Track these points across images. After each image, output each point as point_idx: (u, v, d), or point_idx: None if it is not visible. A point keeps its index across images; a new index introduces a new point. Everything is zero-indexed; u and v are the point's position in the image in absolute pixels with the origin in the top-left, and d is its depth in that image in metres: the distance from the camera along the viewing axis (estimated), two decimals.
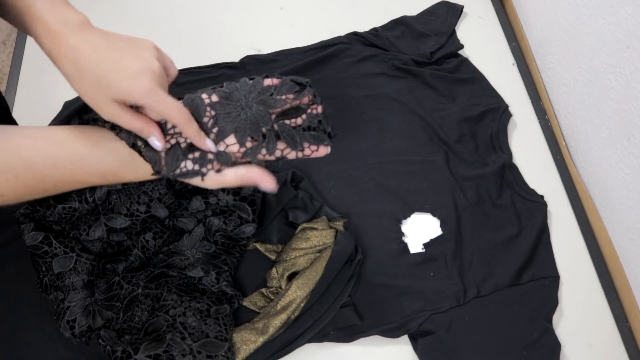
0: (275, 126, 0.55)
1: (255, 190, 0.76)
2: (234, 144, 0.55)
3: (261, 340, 0.70)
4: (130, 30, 0.54)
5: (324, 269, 0.74)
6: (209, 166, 0.54)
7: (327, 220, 0.80)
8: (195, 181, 0.55)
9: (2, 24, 1.68)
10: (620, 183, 0.80)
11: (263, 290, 0.76)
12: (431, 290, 0.76)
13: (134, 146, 0.53)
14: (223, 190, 0.74)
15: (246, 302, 0.75)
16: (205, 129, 0.54)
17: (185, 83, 0.95)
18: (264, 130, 0.55)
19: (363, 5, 1.10)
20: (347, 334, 0.74)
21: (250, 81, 0.56)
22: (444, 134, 0.90)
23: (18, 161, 0.50)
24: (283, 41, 1.02)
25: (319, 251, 0.76)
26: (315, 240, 0.77)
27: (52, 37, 0.49)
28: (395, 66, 0.98)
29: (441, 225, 0.82)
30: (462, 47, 1.01)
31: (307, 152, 0.57)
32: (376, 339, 0.74)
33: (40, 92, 0.97)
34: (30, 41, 1.05)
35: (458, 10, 1.06)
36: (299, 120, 0.56)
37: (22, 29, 0.53)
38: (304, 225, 0.78)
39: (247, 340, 0.70)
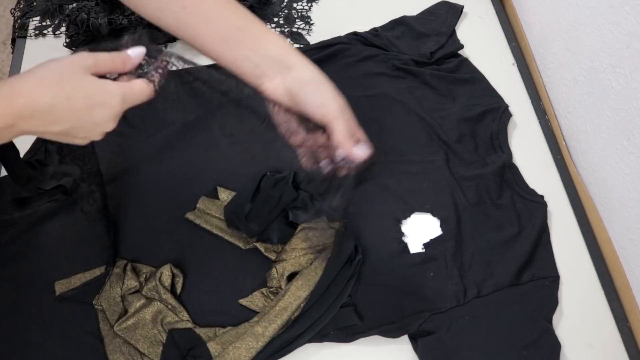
0: None
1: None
2: None
3: (261, 343, 0.70)
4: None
5: (323, 269, 0.74)
6: None
7: (327, 220, 0.80)
8: None
9: (2, 24, 1.68)
10: (620, 183, 0.80)
11: (263, 290, 0.76)
12: (431, 290, 0.76)
13: None
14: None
15: (246, 302, 0.75)
16: None
17: (186, 83, 0.95)
18: None
19: (363, 5, 1.10)
20: (347, 334, 0.74)
21: None
22: (444, 134, 0.90)
23: None
24: None
25: (319, 251, 0.76)
26: (315, 240, 0.77)
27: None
28: (395, 66, 0.98)
29: (441, 225, 0.82)
30: (462, 47, 1.01)
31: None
32: (376, 339, 0.74)
33: None
34: (30, 41, 1.05)
35: (458, 10, 1.06)
36: None
37: None
38: (304, 225, 0.78)
39: (248, 346, 0.70)
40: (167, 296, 0.74)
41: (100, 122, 0.51)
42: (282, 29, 1.07)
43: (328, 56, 0.99)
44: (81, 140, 0.53)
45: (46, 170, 0.86)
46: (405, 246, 0.80)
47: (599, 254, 0.83)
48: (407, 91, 0.95)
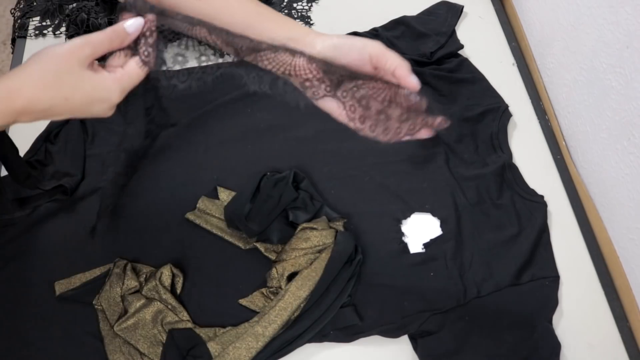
0: None
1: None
2: None
3: (261, 343, 0.70)
4: None
5: (323, 269, 0.74)
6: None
7: (327, 220, 0.80)
8: None
9: (2, 24, 1.68)
10: (620, 183, 0.80)
11: (263, 290, 0.76)
12: (431, 290, 0.76)
13: None
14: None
15: (246, 302, 0.75)
16: None
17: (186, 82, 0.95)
18: None
19: (363, 5, 1.10)
20: (347, 334, 0.74)
21: None
22: (444, 134, 0.90)
23: None
24: None
25: (319, 251, 0.76)
26: (315, 240, 0.77)
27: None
28: None
29: (441, 225, 0.82)
30: (462, 47, 1.01)
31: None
32: (376, 339, 0.74)
33: None
34: (30, 41, 1.05)
35: (458, 10, 1.06)
36: None
37: None
38: (304, 225, 0.78)
39: (248, 346, 0.70)
40: (167, 296, 0.74)
41: (99, 113, 0.51)
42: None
43: None
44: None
45: (46, 170, 0.86)
46: (405, 246, 0.80)
47: (599, 254, 0.83)
48: None
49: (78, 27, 1.00)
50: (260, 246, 0.79)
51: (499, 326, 0.74)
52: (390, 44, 1.01)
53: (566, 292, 0.78)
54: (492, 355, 0.72)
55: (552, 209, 0.84)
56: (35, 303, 0.76)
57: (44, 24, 1.07)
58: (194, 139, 0.91)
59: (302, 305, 0.72)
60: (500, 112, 0.93)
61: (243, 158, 0.89)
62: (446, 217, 0.82)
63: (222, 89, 0.96)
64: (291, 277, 0.75)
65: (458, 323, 0.74)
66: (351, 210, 0.83)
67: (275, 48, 0.54)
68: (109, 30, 0.50)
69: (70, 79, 0.48)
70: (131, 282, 0.75)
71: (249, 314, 0.74)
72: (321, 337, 0.73)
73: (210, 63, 0.57)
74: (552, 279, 0.78)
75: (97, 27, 0.98)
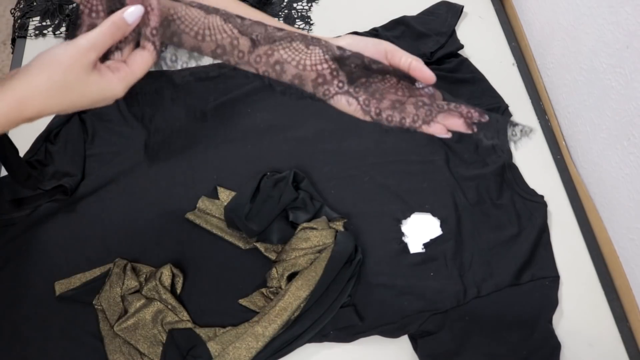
0: None
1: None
2: None
3: (261, 343, 0.70)
4: None
5: (323, 269, 0.74)
6: None
7: (327, 220, 0.80)
8: None
9: (2, 24, 1.68)
10: (620, 183, 0.80)
11: (263, 290, 0.76)
12: (431, 290, 0.76)
13: None
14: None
15: (246, 302, 0.75)
16: None
17: (186, 83, 0.95)
18: None
19: (363, 5, 1.10)
20: (347, 334, 0.74)
21: None
22: None
23: None
24: None
25: (319, 251, 0.76)
26: (315, 240, 0.77)
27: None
28: None
29: (441, 225, 0.82)
30: (462, 47, 1.01)
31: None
32: (376, 339, 0.74)
33: None
34: (30, 41, 1.05)
35: (458, 10, 1.06)
36: None
37: None
38: (304, 225, 0.78)
39: (248, 346, 0.70)
40: (167, 296, 0.74)
41: (103, 106, 0.52)
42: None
43: None
44: None
45: (46, 170, 0.86)
46: (405, 246, 0.80)
47: (599, 254, 0.83)
48: None
49: (78, 27, 1.00)
50: (260, 246, 0.79)
51: (499, 326, 0.74)
52: None
53: (566, 292, 0.78)
54: (492, 355, 0.72)
55: (552, 209, 0.84)
56: (35, 303, 0.76)
57: (44, 24, 1.07)
58: (194, 139, 0.91)
59: (302, 305, 0.72)
60: (500, 112, 0.93)
61: (243, 158, 0.89)
62: (446, 217, 0.82)
63: (222, 89, 0.96)
64: (291, 277, 0.75)
65: (458, 323, 0.74)
66: (351, 210, 0.83)
67: (291, 36, 0.54)
68: (109, 24, 0.49)
69: (77, 86, 0.49)
70: (131, 282, 0.75)
71: (249, 314, 0.74)
72: (321, 337, 0.73)
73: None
74: (552, 279, 0.78)
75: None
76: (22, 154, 0.87)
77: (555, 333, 0.74)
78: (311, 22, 1.08)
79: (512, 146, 0.59)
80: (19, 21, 1.08)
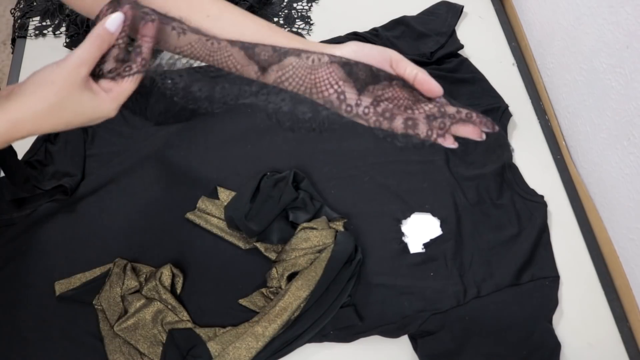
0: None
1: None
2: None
3: (261, 343, 0.70)
4: None
5: (323, 269, 0.74)
6: None
7: (327, 220, 0.80)
8: None
9: (2, 24, 1.68)
10: (620, 183, 0.80)
11: (263, 290, 0.76)
12: (431, 290, 0.76)
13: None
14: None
15: (246, 302, 0.75)
16: None
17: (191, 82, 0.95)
18: None
19: (363, 5, 1.10)
20: (347, 334, 0.74)
21: None
22: None
23: None
24: None
25: (319, 251, 0.76)
26: (315, 240, 0.77)
27: None
28: None
29: (441, 225, 0.82)
30: (462, 47, 1.01)
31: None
32: (376, 339, 0.74)
33: None
34: (30, 41, 1.05)
35: (458, 10, 1.06)
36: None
37: None
38: (304, 225, 0.78)
39: (248, 346, 0.70)
40: (167, 296, 0.74)
41: (96, 124, 0.53)
42: (282, 28, 1.07)
43: None
44: None
45: (46, 170, 0.86)
46: (405, 246, 0.80)
47: (599, 254, 0.83)
48: None
49: (78, 27, 1.00)
50: (260, 246, 0.79)
51: (499, 326, 0.74)
52: (390, 44, 1.01)
53: (566, 292, 0.78)
54: (492, 355, 0.72)
55: (552, 209, 0.84)
56: (35, 303, 0.76)
57: (44, 24, 1.07)
58: (194, 139, 0.91)
59: (302, 305, 0.72)
60: (500, 112, 0.93)
61: (243, 158, 0.89)
62: (446, 217, 0.82)
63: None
64: (291, 277, 0.75)
65: (458, 323, 0.74)
66: (351, 210, 0.83)
67: (298, 53, 0.53)
68: (93, 37, 0.50)
69: (71, 106, 0.49)
70: (131, 282, 0.75)
71: (249, 314, 0.74)
72: (321, 337, 0.73)
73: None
74: (552, 279, 0.78)
75: None
76: (22, 154, 0.87)
77: (555, 333, 0.74)
78: (311, 22, 1.08)
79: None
80: (19, 21, 1.08)
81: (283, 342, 0.71)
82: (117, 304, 0.74)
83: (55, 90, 0.48)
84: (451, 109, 0.55)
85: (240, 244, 0.80)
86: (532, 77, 1.01)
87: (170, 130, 0.91)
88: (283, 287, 0.74)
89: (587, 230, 0.84)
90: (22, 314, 0.76)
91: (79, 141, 0.90)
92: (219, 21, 0.57)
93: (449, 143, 0.56)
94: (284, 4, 1.11)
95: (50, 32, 1.06)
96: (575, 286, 0.79)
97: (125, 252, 0.80)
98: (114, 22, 0.50)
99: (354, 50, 0.56)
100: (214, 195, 0.84)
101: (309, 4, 1.11)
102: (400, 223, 0.82)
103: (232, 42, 0.54)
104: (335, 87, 0.53)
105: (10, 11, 1.11)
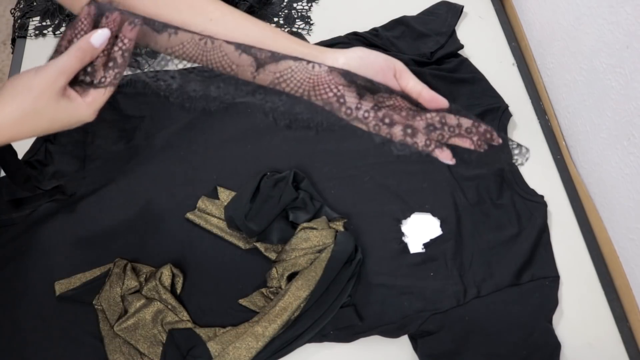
0: None
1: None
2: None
3: (261, 343, 0.70)
4: None
5: (323, 269, 0.74)
6: None
7: (327, 220, 0.80)
8: None
9: (2, 24, 1.68)
10: (620, 183, 0.80)
11: (263, 290, 0.76)
12: (431, 290, 0.76)
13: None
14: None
15: (246, 302, 0.75)
16: None
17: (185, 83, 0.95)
18: None
19: (363, 5, 1.10)
20: (347, 334, 0.74)
21: None
22: None
23: None
24: None
25: (319, 251, 0.76)
26: (315, 240, 0.77)
27: None
28: None
29: (441, 225, 0.82)
30: (462, 47, 1.01)
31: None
32: (376, 339, 0.74)
33: None
34: (30, 41, 1.05)
35: (458, 10, 1.06)
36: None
37: None
38: (304, 225, 0.78)
39: (248, 346, 0.70)
40: (167, 296, 0.74)
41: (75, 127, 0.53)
42: (282, 29, 1.07)
43: None
44: None
45: (46, 170, 0.86)
46: (405, 246, 0.80)
47: (599, 254, 0.83)
48: None
49: None
50: (260, 246, 0.79)
51: (499, 326, 0.74)
52: (390, 44, 1.01)
53: (566, 292, 0.78)
54: (492, 355, 0.72)
55: (552, 209, 0.84)
56: (35, 303, 0.76)
57: (44, 24, 1.07)
58: (194, 139, 0.91)
59: (302, 305, 0.72)
60: (500, 112, 0.93)
61: (243, 158, 0.89)
62: (446, 217, 0.82)
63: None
64: (291, 277, 0.75)
65: (458, 323, 0.74)
66: (351, 210, 0.83)
67: (296, 59, 0.53)
68: (76, 49, 0.50)
69: (48, 113, 0.50)
70: (131, 282, 0.75)
71: (249, 314, 0.74)
72: (321, 337, 0.73)
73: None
74: (552, 279, 0.78)
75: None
76: (22, 153, 0.87)
77: (555, 333, 0.74)
78: (311, 22, 1.08)
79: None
80: (19, 21, 1.08)
81: (283, 342, 0.71)
82: (117, 304, 0.74)
83: (32, 97, 0.49)
84: (452, 121, 0.54)
85: (240, 244, 0.80)
86: (532, 77, 1.01)
87: (170, 130, 0.91)
88: (283, 287, 0.74)
89: (587, 230, 0.84)
90: (22, 314, 0.76)
91: (79, 141, 0.90)
92: (221, 24, 0.57)
93: (446, 157, 0.56)
94: (284, 4, 1.11)
95: (50, 32, 1.06)
96: (575, 286, 0.79)
97: (125, 252, 0.80)
98: (99, 38, 0.51)
99: (359, 57, 0.55)
100: (214, 195, 0.84)
101: (309, 4, 1.11)
102: (400, 223, 0.82)
103: (227, 42, 0.54)
104: (335, 90, 0.53)
105: (10, 11, 1.11)
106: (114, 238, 0.81)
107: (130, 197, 0.85)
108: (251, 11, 1.05)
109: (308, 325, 0.72)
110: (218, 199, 0.84)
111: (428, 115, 0.54)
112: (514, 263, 0.78)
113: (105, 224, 0.83)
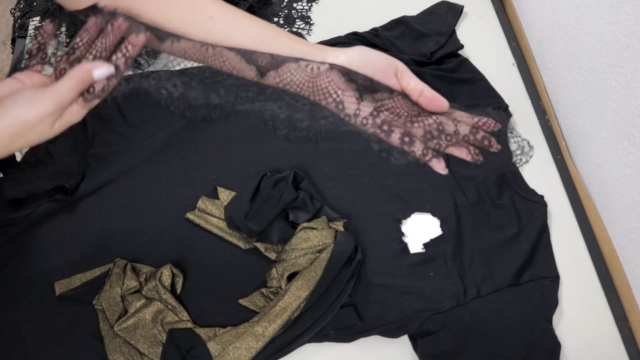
0: None
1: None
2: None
3: (261, 343, 0.70)
4: None
5: (323, 269, 0.74)
6: None
7: (327, 220, 0.80)
8: None
9: (2, 24, 1.68)
10: (620, 183, 0.80)
11: (263, 290, 0.76)
12: (431, 290, 0.76)
13: None
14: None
15: (246, 302, 0.75)
16: None
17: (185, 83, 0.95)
18: None
19: (363, 5, 1.10)
20: (347, 334, 0.74)
21: None
22: None
23: None
24: None
25: (319, 251, 0.76)
26: (315, 240, 0.77)
27: None
28: None
29: (441, 225, 0.82)
30: (462, 47, 1.01)
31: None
32: (376, 339, 0.74)
33: None
34: (30, 41, 1.05)
35: (458, 10, 1.06)
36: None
37: None
38: (304, 225, 0.78)
39: (248, 346, 0.70)
40: (167, 296, 0.74)
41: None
42: (282, 28, 1.07)
43: None
44: None
45: (46, 170, 0.86)
46: (405, 246, 0.80)
47: (599, 254, 0.83)
48: None
49: (78, 27, 1.00)
50: (260, 246, 0.79)
51: (499, 326, 0.74)
52: (390, 44, 1.01)
53: (566, 292, 0.78)
54: (492, 355, 0.72)
55: (552, 209, 0.84)
56: (35, 303, 0.76)
57: (43, 24, 1.07)
58: (194, 139, 0.91)
59: (302, 305, 0.72)
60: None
61: (243, 158, 0.89)
62: (446, 217, 0.82)
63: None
64: (291, 277, 0.75)
65: (458, 323, 0.74)
66: (351, 210, 0.83)
67: (297, 60, 0.53)
68: (77, 81, 0.50)
69: (41, 137, 0.50)
70: (131, 282, 0.75)
71: (249, 314, 0.74)
72: (321, 337, 0.73)
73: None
74: (552, 279, 0.78)
75: None
76: (22, 153, 0.87)
77: (555, 333, 0.74)
78: (311, 22, 1.08)
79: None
80: (19, 21, 1.08)
81: (283, 342, 0.71)
82: (117, 304, 0.74)
83: (26, 128, 0.49)
84: (450, 128, 0.55)
85: (240, 244, 0.80)
86: (532, 77, 1.01)
87: (170, 130, 0.91)
88: (283, 287, 0.74)
89: (587, 230, 0.84)
90: (22, 314, 0.76)
91: (79, 141, 0.90)
92: (221, 23, 0.57)
93: (440, 168, 0.56)
94: (284, 4, 1.11)
95: None
96: (575, 286, 0.79)
97: (125, 252, 0.80)
98: (102, 73, 0.51)
99: (360, 55, 0.55)
100: (214, 195, 0.84)
101: (309, 4, 1.11)
102: (400, 223, 0.82)
103: (229, 49, 0.54)
104: (334, 96, 0.53)
105: (10, 11, 1.11)
106: (114, 238, 0.81)
107: (130, 197, 0.85)
108: (251, 11, 1.05)
109: (308, 325, 0.72)
110: (218, 199, 0.84)
111: (426, 121, 0.54)
112: (514, 263, 0.78)
113: (105, 224, 0.83)
